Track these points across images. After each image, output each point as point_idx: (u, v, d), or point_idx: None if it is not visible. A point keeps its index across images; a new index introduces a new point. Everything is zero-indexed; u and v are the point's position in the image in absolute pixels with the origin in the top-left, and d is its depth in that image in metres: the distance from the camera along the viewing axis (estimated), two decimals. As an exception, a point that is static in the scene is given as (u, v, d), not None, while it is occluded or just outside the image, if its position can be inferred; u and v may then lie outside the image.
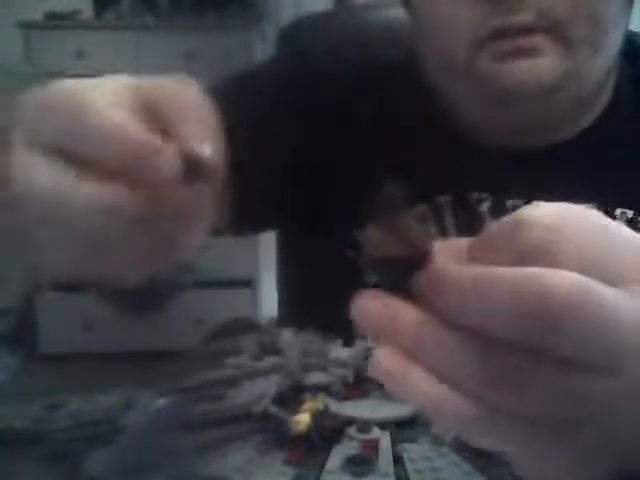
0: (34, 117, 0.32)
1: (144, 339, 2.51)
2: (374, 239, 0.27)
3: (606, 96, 0.62)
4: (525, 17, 0.51)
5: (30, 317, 2.67)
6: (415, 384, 0.25)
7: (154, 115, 0.31)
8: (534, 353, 0.24)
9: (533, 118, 0.58)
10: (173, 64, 2.54)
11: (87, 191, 0.30)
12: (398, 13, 0.96)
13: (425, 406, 0.26)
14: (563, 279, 0.23)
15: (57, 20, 2.61)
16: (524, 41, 0.52)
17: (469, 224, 0.60)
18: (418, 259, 0.27)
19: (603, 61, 0.56)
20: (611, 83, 0.62)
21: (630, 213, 0.57)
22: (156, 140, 0.30)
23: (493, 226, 0.27)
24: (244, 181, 0.51)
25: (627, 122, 0.61)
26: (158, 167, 0.29)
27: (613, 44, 0.56)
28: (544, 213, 0.26)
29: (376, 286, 0.27)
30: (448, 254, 0.27)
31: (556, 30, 0.52)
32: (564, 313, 0.23)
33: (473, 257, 0.27)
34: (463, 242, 0.28)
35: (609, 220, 0.28)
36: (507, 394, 0.24)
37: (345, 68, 0.69)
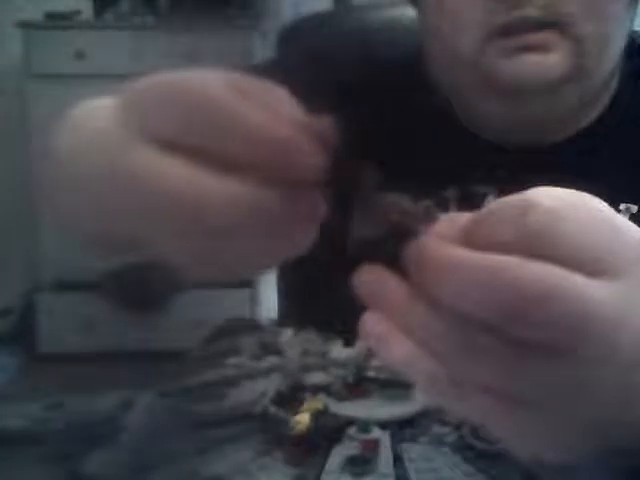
0: (147, 114, 0.31)
1: (144, 339, 2.51)
2: (359, 221, 0.30)
3: (609, 93, 0.62)
4: (531, 12, 0.51)
5: (30, 317, 2.67)
6: (395, 347, 0.29)
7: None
8: (501, 333, 0.26)
9: (538, 114, 0.58)
10: (173, 64, 2.54)
11: (231, 190, 0.28)
12: (398, 13, 0.96)
13: (402, 366, 0.29)
14: (534, 272, 0.26)
15: (57, 20, 2.61)
16: (532, 37, 0.52)
17: None
18: (402, 236, 0.29)
19: (609, 58, 0.57)
20: (614, 80, 0.62)
21: (634, 208, 0.57)
22: (300, 137, 0.28)
23: (495, 205, 0.28)
24: None
25: (630, 119, 0.61)
26: (302, 165, 0.28)
27: (619, 41, 0.56)
28: (549, 199, 0.27)
29: None
30: (447, 229, 0.29)
31: (563, 26, 0.52)
32: (531, 304, 0.25)
33: (471, 233, 0.28)
34: (464, 217, 0.29)
35: (610, 209, 0.29)
36: (471, 366, 0.27)
37: (345, 68, 0.69)
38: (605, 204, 0.29)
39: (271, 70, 0.74)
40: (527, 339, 0.26)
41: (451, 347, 0.27)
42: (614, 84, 0.62)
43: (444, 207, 0.62)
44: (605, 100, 0.62)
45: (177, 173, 0.29)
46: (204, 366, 0.58)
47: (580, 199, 0.29)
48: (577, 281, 0.26)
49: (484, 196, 0.62)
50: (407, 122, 0.65)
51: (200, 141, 0.29)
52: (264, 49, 2.51)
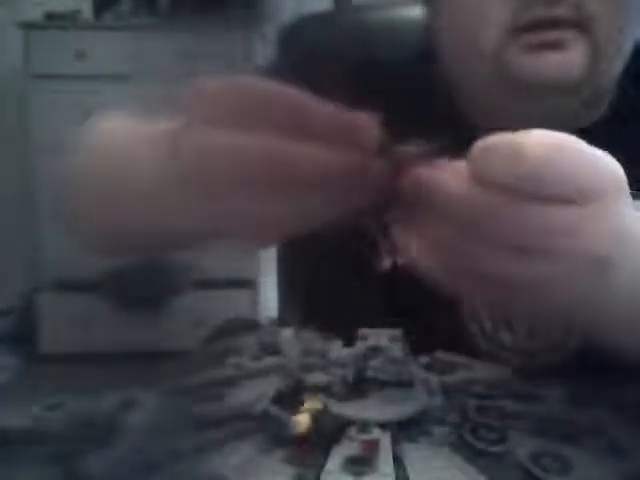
0: (216, 104, 0.38)
1: (144, 339, 2.51)
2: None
3: (611, 94, 0.63)
4: (561, 11, 0.52)
5: (30, 317, 2.67)
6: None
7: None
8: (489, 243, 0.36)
9: (553, 110, 0.58)
10: (173, 64, 2.54)
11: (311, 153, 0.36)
12: (398, 13, 0.96)
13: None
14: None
15: (57, 20, 2.61)
16: (554, 35, 0.53)
17: None
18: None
19: (620, 60, 0.58)
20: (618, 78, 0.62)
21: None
22: (362, 115, 0.37)
23: (492, 141, 0.37)
24: None
25: (629, 119, 0.62)
26: (366, 137, 0.37)
27: (629, 45, 0.58)
28: (540, 145, 0.36)
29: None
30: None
31: (586, 25, 0.53)
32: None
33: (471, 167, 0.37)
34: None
35: (588, 148, 0.38)
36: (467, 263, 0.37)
37: (346, 68, 0.69)
38: (583, 143, 0.38)
39: (275, 71, 0.75)
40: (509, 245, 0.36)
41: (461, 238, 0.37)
42: (614, 86, 0.63)
43: None
44: (607, 100, 0.63)
45: (266, 143, 0.36)
46: (204, 366, 0.58)
47: (572, 147, 0.37)
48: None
49: None
50: (409, 123, 0.65)
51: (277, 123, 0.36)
52: (264, 49, 2.51)
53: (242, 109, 0.37)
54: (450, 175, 0.37)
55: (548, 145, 0.36)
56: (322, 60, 0.72)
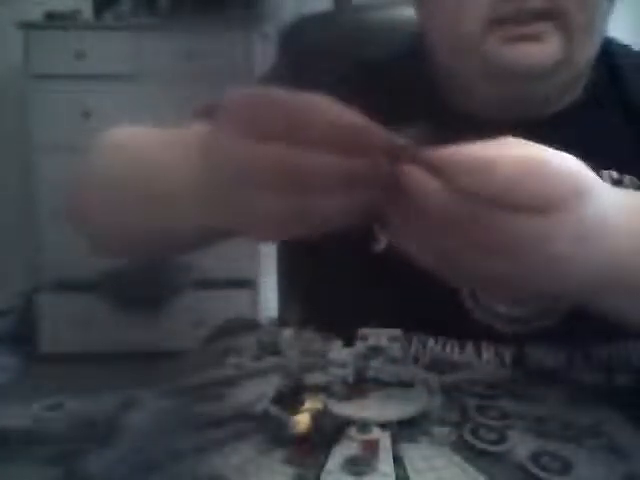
0: (244, 116, 0.41)
1: (144, 339, 2.51)
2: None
3: (585, 79, 0.67)
4: (537, 3, 0.57)
5: (30, 317, 2.67)
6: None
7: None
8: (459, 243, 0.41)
9: (531, 94, 0.64)
10: (173, 64, 2.54)
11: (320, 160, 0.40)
12: (398, 13, 0.96)
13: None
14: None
15: (57, 20, 2.61)
16: (531, 28, 0.58)
17: None
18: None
19: (593, 47, 0.63)
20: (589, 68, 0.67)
21: (615, 174, 0.64)
22: (374, 126, 0.41)
23: (466, 155, 0.42)
24: None
25: (602, 101, 0.68)
26: (375, 145, 0.41)
27: (601, 33, 0.63)
28: (510, 165, 0.41)
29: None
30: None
31: (560, 17, 0.58)
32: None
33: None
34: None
35: (560, 160, 0.43)
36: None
37: (345, 67, 0.70)
38: (548, 153, 0.43)
39: (276, 76, 0.76)
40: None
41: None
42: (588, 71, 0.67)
43: None
44: (581, 85, 0.67)
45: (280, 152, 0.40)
46: (204, 366, 0.58)
47: (531, 158, 0.42)
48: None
49: None
50: (405, 117, 0.66)
51: (287, 132, 0.39)
52: (264, 49, 2.51)
53: (267, 119, 0.41)
54: (428, 178, 0.41)
55: (517, 164, 0.41)
56: (322, 60, 0.73)
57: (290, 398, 0.49)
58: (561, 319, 0.63)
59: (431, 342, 0.64)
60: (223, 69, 2.48)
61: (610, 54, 0.69)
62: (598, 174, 0.54)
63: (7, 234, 2.90)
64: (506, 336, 0.63)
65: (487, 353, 0.63)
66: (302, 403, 0.48)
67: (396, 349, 0.55)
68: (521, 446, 0.46)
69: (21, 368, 2.54)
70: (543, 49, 0.59)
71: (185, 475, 0.43)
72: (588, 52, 0.63)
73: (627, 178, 0.64)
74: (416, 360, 0.60)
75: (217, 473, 0.43)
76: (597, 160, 0.48)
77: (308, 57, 0.86)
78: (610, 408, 0.53)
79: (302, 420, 0.45)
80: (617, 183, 0.63)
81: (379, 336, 0.57)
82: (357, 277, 0.66)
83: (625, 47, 0.73)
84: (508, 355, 0.63)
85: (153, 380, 0.55)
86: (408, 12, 0.94)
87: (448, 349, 0.64)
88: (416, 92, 0.69)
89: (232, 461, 0.44)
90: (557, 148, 0.44)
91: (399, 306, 0.62)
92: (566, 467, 0.44)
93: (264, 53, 2.50)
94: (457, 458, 0.45)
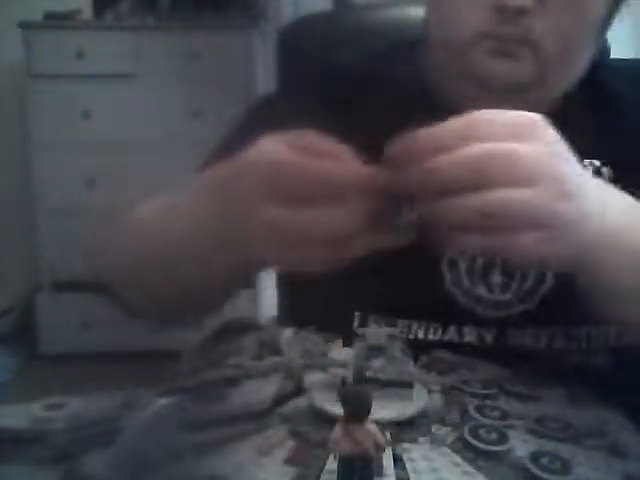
0: (266, 182, 0.46)
1: (144, 339, 2.51)
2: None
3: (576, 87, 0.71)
4: (518, 30, 0.64)
5: (30, 317, 2.67)
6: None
7: None
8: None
9: (512, 103, 0.66)
10: (173, 64, 2.54)
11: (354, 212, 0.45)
12: (398, 13, 0.96)
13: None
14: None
15: (57, 20, 2.61)
16: (510, 47, 0.64)
17: None
18: None
19: (572, 72, 0.69)
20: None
21: (597, 162, 0.68)
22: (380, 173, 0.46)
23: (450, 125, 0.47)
24: None
25: (586, 106, 0.72)
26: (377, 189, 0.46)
27: (582, 62, 0.68)
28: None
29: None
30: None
31: (534, 44, 0.64)
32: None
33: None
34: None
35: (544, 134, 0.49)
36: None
37: (345, 66, 0.71)
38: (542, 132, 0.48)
39: (281, 103, 0.78)
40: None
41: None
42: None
43: None
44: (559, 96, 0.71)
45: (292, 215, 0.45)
46: (204, 366, 0.58)
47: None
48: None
49: None
50: (402, 116, 0.67)
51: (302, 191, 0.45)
52: (264, 49, 2.51)
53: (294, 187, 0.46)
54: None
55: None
56: (321, 60, 0.73)
57: (290, 398, 0.49)
58: (541, 302, 0.66)
59: (415, 326, 0.66)
60: (223, 69, 2.48)
61: (601, 71, 0.73)
62: (581, 163, 0.57)
63: (7, 234, 2.89)
64: (488, 320, 0.66)
65: (469, 336, 0.66)
66: (303, 404, 0.48)
67: (396, 349, 0.55)
68: (521, 446, 0.46)
69: (21, 368, 2.54)
70: (518, 67, 0.64)
71: (185, 475, 0.43)
72: (567, 76, 0.69)
73: (605, 169, 0.68)
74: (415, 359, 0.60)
75: (217, 473, 0.43)
76: (580, 152, 0.52)
77: (307, 57, 0.86)
78: (610, 408, 0.53)
79: (303, 420, 0.45)
80: (597, 173, 0.67)
81: (379, 336, 0.57)
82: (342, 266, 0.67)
83: (620, 61, 0.78)
84: (489, 337, 0.66)
85: (153, 380, 0.55)
86: (408, 12, 0.94)
87: (431, 332, 0.66)
88: (413, 91, 0.71)
89: (232, 461, 0.44)
90: None
91: (384, 293, 0.64)
92: (566, 467, 0.44)
93: (264, 53, 2.50)
94: (457, 458, 0.45)
